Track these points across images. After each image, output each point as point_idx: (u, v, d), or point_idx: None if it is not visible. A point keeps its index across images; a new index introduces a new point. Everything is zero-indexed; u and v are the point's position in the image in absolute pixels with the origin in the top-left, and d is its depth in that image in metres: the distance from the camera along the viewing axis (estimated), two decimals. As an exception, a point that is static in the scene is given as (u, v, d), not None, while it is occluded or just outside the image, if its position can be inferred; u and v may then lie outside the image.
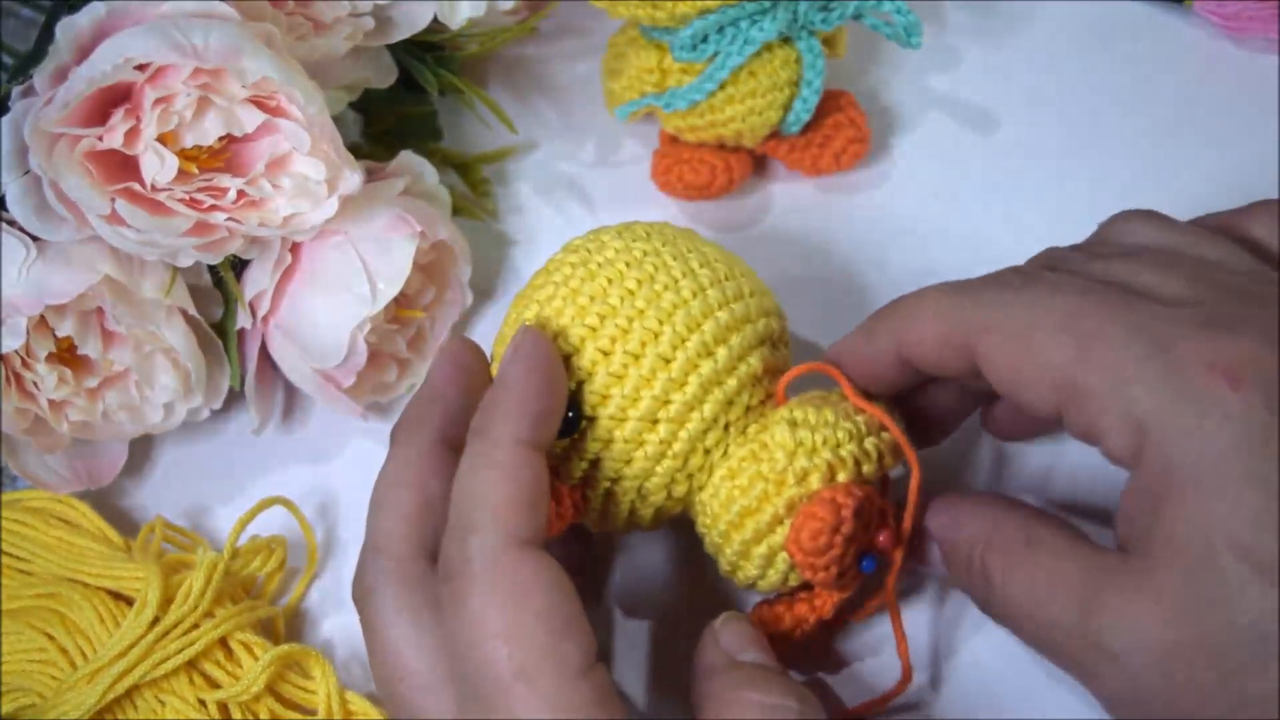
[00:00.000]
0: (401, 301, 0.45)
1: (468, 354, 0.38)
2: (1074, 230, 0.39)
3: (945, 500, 0.37)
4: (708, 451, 0.37)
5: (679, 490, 0.38)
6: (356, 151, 0.43)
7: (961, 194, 0.51)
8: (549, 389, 0.35)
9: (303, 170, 0.41)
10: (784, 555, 0.36)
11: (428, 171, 0.47)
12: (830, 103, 0.49)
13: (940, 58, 0.54)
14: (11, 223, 0.40)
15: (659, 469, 0.37)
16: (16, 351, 0.41)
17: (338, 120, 0.42)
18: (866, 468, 0.37)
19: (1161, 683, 0.28)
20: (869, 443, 0.37)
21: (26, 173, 0.39)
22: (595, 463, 0.37)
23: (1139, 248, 0.34)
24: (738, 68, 0.46)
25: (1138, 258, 0.33)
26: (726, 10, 0.45)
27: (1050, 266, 0.35)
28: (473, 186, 0.52)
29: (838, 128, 0.49)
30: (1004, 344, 0.32)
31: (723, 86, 0.47)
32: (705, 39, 0.46)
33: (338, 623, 0.44)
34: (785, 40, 0.47)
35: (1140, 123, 0.52)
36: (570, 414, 0.36)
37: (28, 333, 0.40)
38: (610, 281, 0.37)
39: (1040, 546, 0.32)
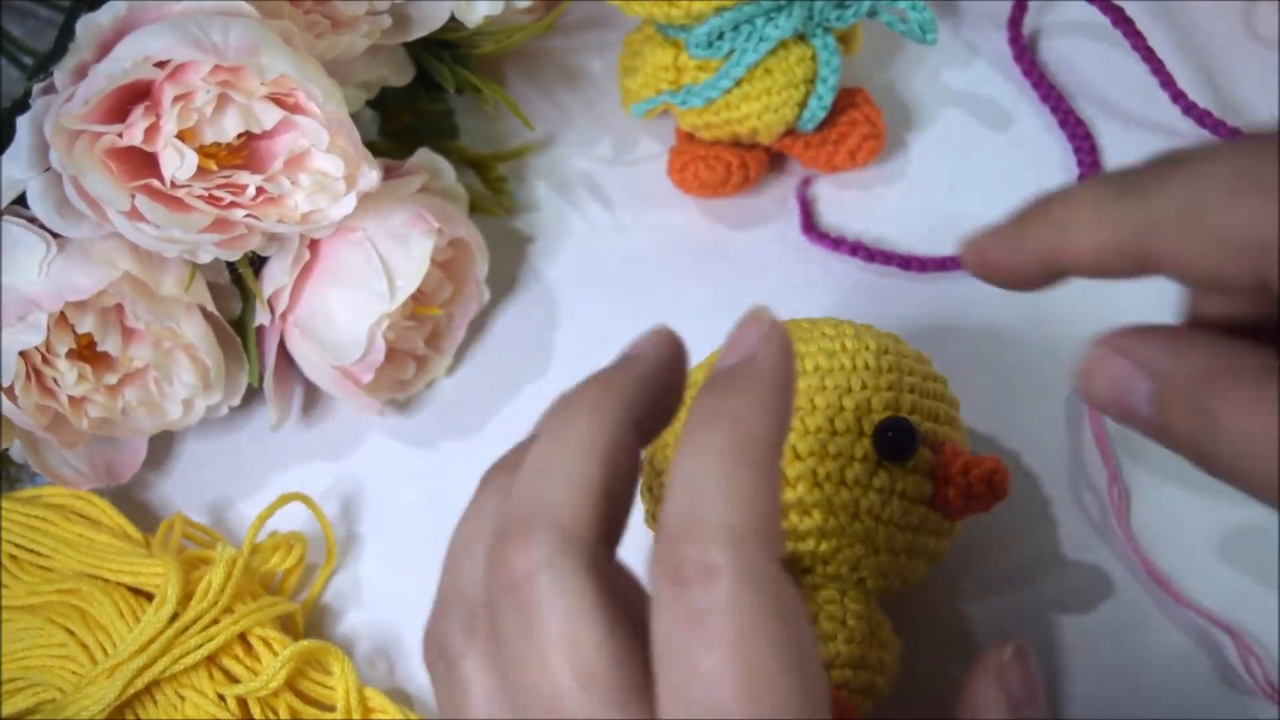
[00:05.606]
0: (419, 298, 0.46)
1: (675, 347, 0.31)
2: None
3: (1153, 329, 0.31)
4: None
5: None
6: (374, 149, 0.43)
7: (977, 190, 0.51)
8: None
9: (321, 167, 0.41)
10: None
11: (445, 169, 0.47)
12: (846, 100, 0.49)
13: (955, 54, 0.54)
14: (32, 219, 0.41)
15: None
16: (37, 348, 0.41)
17: (355, 118, 0.42)
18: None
19: None
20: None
21: (47, 170, 0.39)
22: None
23: None
24: (753, 65, 0.46)
25: None
26: (742, 8, 0.45)
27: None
28: (489, 184, 0.52)
29: (853, 124, 0.49)
30: (1177, 233, 0.28)
31: (738, 84, 0.47)
32: (721, 36, 0.46)
33: (357, 618, 0.45)
34: (800, 37, 0.47)
35: (1154, 116, 0.51)
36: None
37: (48, 329, 0.40)
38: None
39: None
